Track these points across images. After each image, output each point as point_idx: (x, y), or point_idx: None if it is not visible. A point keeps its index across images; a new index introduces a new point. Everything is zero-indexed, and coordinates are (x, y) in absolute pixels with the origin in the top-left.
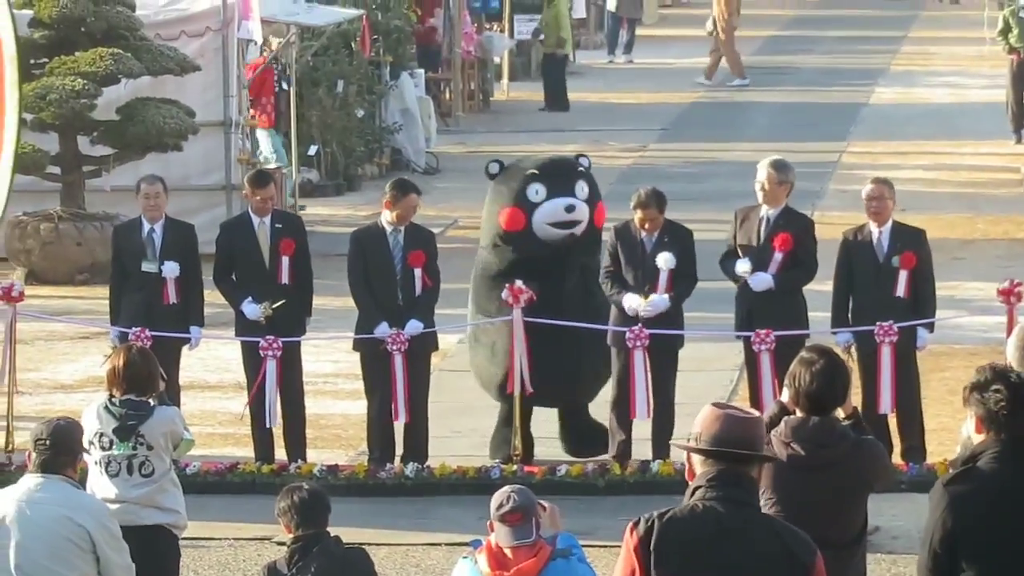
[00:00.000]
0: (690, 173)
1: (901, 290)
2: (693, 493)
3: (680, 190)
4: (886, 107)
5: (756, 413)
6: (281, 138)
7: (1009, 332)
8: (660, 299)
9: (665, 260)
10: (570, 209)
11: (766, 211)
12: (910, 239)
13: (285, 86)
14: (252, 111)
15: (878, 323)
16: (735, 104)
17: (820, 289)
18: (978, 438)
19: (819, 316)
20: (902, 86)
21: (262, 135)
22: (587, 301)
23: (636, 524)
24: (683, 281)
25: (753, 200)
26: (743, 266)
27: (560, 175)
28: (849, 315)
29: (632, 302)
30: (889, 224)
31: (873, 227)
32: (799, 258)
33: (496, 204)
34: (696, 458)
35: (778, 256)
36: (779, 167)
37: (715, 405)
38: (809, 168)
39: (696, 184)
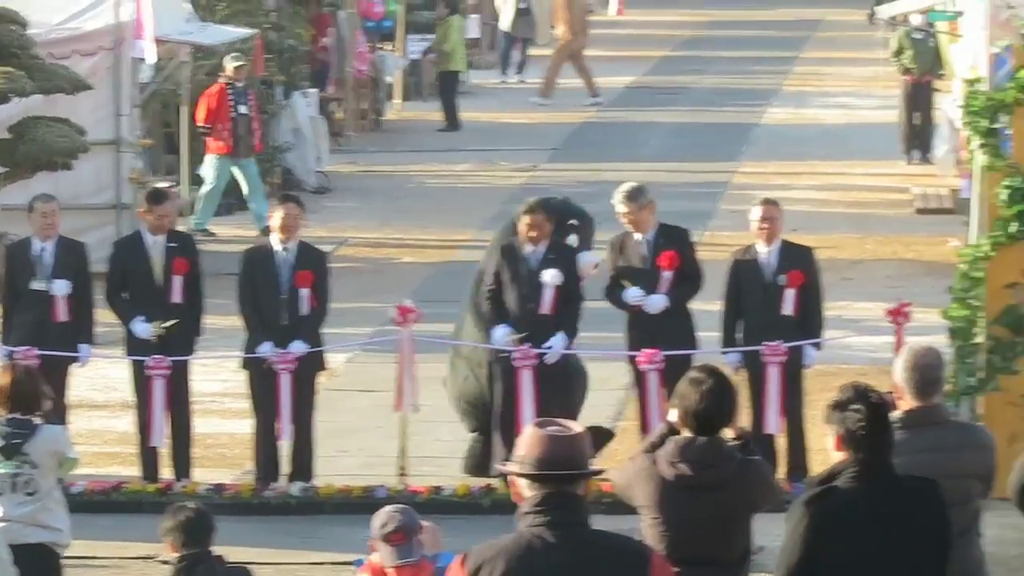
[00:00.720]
0: (581, 193)
1: (789, 308)
2: (523, 518)
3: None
4: (778, 127)
5: (578, 428)
6: (254, 166)
7: (897, 352)
8: (558, 341)
9: (551, 276)
10: (596, 267)
11: (642, 236)
12: (798, 258)
13: (243, 110)
14: (205, 138)
15: (765, 343)
16: (627, 124)
17: (708, 309)
18: (839, 456)
19: (707, 336)
20: (794, 106)
21: (210, 161)
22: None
23: (465, 559)
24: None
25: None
26: (635, 293)
27: (591, 229)
28: (738, 335)
29: (498, 334)
30: (778, 243)
31: (761, 246)
32: (685, 272)
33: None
34: (522, 481)
35: (667, 275)
36: (633, 196)
37: (537, 425)
38: (700, 188)
39: (587, 204)
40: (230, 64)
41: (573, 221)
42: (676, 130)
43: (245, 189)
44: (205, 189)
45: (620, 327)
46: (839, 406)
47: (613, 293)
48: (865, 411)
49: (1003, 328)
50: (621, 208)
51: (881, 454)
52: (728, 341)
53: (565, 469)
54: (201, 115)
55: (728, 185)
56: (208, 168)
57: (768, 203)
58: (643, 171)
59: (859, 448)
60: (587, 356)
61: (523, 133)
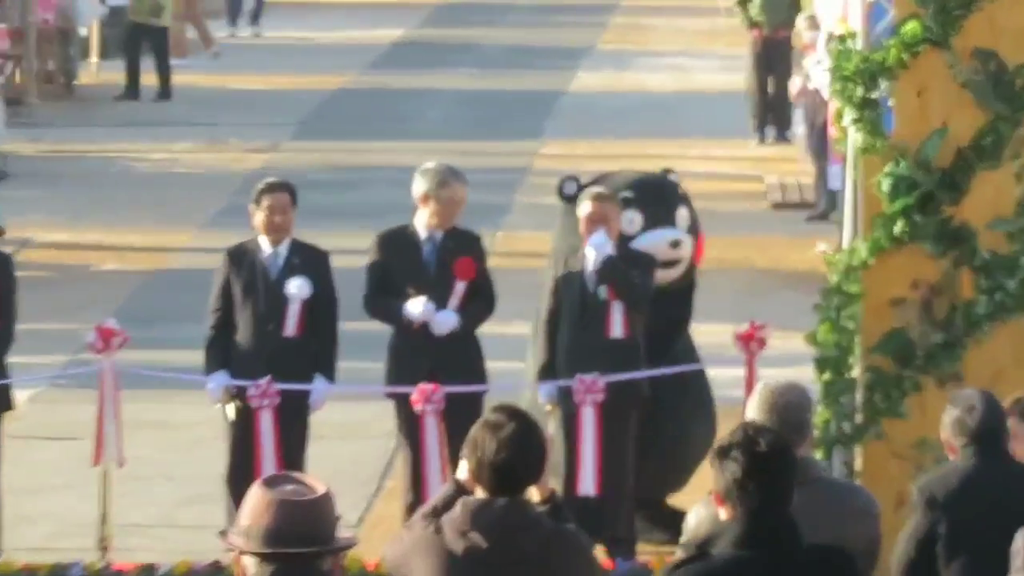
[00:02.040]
0: (336, 180)
1: (617, 330)
2: None
3: (322, 202)
4: (591, 96)
5: (321, 488)
6: None
7: (749, 389)
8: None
9: (297, 287)
10: (676, 244)
11: (430, 232)
12: (630, 264)
13: None
14: None
15: (578, 376)
16: (396, 92)
17: (502, 331)
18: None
19: (500, 367)
20: (612, 69)
21: None
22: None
23: None
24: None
25: (403, 216)
26: (419, 306)
27: (660, 200)
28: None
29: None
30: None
31: (589, 250)
32: (478, 286)
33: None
34: (248, 559)
35: (460, 287)
36: (454, 176)
37: (265, 483)
38: (492, 175)
39: (344, 194)
40: None
41: (627, 193)
42: (460, 99)
43: None
44: None
45: (379, 352)
46: (720, 453)
47: (381, 302)
48: (744, 461)
49: (886, 358)
50: (452, 193)
51: (767, 514)
52: (544, 369)
53: (303, 544)
54: None
55: (527, 171)
56: None
57: (601, 198)
58: (417, 152)
59: (738, 506)
60: (348, 394)
61: (259, 103)
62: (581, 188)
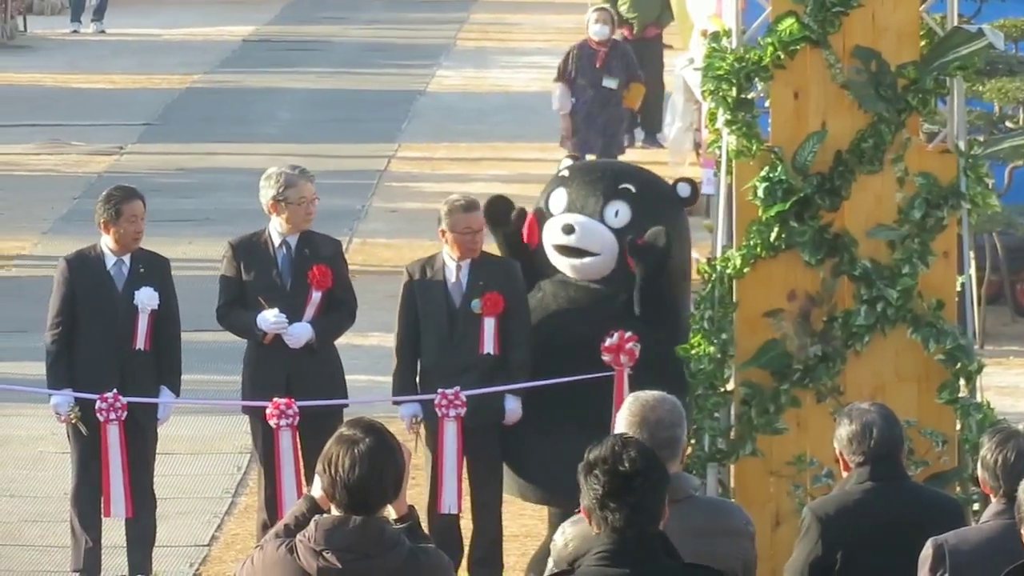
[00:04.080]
0: (184, 184)
1: (489, 345)
2: None
3: (169, 207)
4: (450, 96)
5: None
6: None
7: (618, 405)
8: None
9: (147, 297)
10: (568, 230)
11: (284, 239)
12: (496, 275)
13: None
14: None
15: (440, 390)
16: (246, 91)
17: (363, 343)
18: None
19: (359, 380)
20: (472, 67)
21: None
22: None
23: None
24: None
25: (255, 223)
26: (272, 317)
27: (591, 182)
28: (418, 378)
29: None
30: (469, 258)
31: (448, 258)
32: (336, 296)
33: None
34: None
35: (316, 296)
36: (300, 177)
37: None
38: (345, 179)
39: (192, 199)
40: None
41: (627, 185)
42: (312, 100)
43: None
44: None
45: (233, 365)
46: (585, 468)
47: (233, 314)
48: (607, 480)
49: (762, 371)
50: (301, 193)
51: (632, 532)
52: (403, 385)
53: None
54: None
55: (383, 175)
56: None
57: (472, 209)
58: (267, 156)
59: (602, 523)
60: (190, 406)
61: (104, 103)
62: (696, 191)
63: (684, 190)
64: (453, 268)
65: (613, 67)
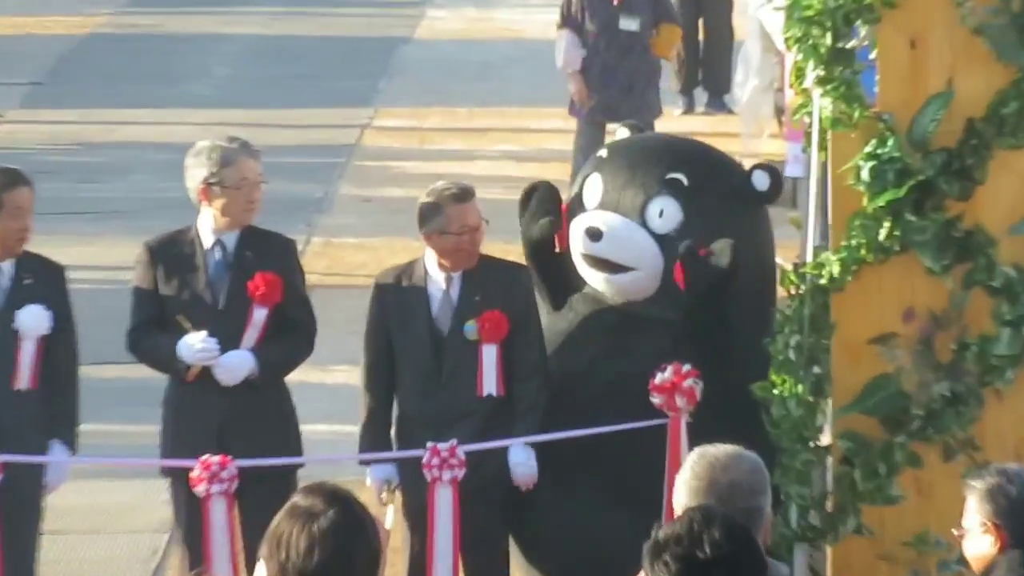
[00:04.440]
0: (85, 164)
1: (490, 384)
2: None
3: (65, 194)
4: (445, 45)
5: None
6: None
7: (675, 462)
8: None
9: (34, 318)
10: (594, 236)
11: (218, 238)
12: (496, 284)
13: None
14: None
15: (431, 444)
16: (170, 40)
17: (324, 380)
18: None
19: (320, 433)
20: (474, 6)
21: None
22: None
23: None
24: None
25: (180, 216)
26: (199, 344)
27: (630, 167)
28: (393, 429)
29: None
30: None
31: (435, 270)
32: (287, 315)
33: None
34: None
35: (259, 314)
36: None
37: None
38: (304, 158)
39: (95, 184)
40: None
41: (677, 175)
42: (257, 50)
43: None
44: None
45: (150, 410)
46: (653, 551)
47: (149, 339)
48: (677, 567)
49: (868, 417)
50: (241, 174)
51: None
52: (373, 438)
53: None
54: None
55: (353, 151)
56: None
57: (457, 199)
58: (198, 124)
59: None
60: (91, 466)
61: None
62: (779, 181)
63: (761, 181)
64: (440, 280)
65: (633, 2)
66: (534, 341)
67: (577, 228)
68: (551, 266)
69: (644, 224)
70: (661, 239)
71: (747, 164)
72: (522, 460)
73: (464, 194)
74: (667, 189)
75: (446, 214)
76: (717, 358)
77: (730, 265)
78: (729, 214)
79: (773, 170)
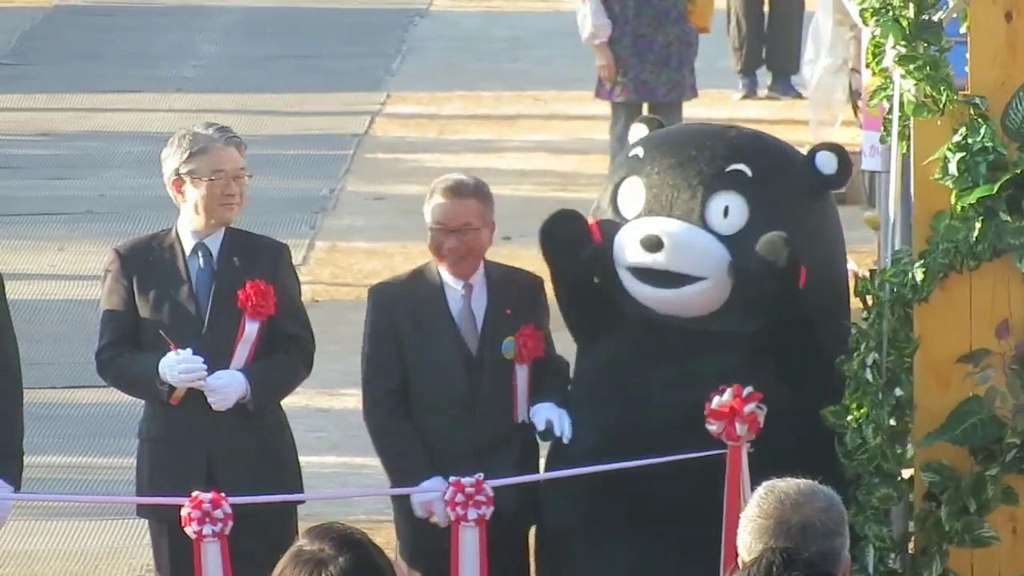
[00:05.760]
0: (52, 158)
1: (523, 410)
2: None
3: (29, 193)
4: (466, 19)
5: None
6: None
7: (731, 498)
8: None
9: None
10: (653, 245)
11: (199, 241)
12: (519, 296)
13: None
14: None
15: (454, 479)
16: (151, 12)
17: (332, 404)
18: None
19: (328, 465)
20: None
21: None
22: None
23: None
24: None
25: (163, 218)
26: (183, 364)
27: (682, 164)
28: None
29: None
30: (481, 272)
31: (449, 276)
32: (282, 330)
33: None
34: None
35: (251, 329)
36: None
37: None
38: (305, 149)
39: (65, 181)
40: None
41: (739, 165)
42: (252, 25)
43: None
44: None
45: (123, 441)
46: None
47: (122, 359)
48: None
49: (957, 447)
50: (217, 164)
51: None
52: (400, 470)
53: None
54: None
55: (362, 142)
56: None
57: (458, 194)
58: (183, 111)
59: None
60: (53, 504)
61: None
62: (848, 163)
63: (827, 163)
64: (458, 289)
65: None
66: (562, 364)
67: (628, 239)
68: (586, 298)
69: (706, 226)
70: (728, 240)
71: None
72: (547, 416)
73: (459, 187)
74: (729, 183)
75: (434, 206)
76: (800, 374)
77: (790, 264)
78: (797, 207)
79: (840, 149)
